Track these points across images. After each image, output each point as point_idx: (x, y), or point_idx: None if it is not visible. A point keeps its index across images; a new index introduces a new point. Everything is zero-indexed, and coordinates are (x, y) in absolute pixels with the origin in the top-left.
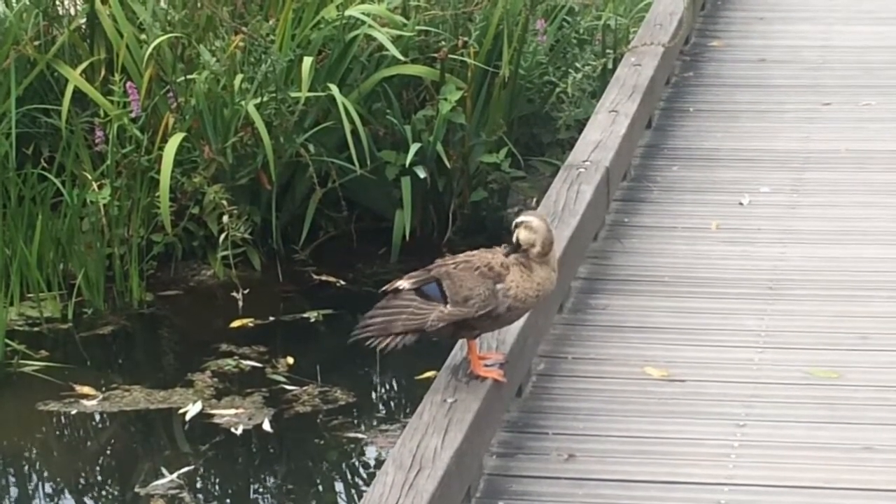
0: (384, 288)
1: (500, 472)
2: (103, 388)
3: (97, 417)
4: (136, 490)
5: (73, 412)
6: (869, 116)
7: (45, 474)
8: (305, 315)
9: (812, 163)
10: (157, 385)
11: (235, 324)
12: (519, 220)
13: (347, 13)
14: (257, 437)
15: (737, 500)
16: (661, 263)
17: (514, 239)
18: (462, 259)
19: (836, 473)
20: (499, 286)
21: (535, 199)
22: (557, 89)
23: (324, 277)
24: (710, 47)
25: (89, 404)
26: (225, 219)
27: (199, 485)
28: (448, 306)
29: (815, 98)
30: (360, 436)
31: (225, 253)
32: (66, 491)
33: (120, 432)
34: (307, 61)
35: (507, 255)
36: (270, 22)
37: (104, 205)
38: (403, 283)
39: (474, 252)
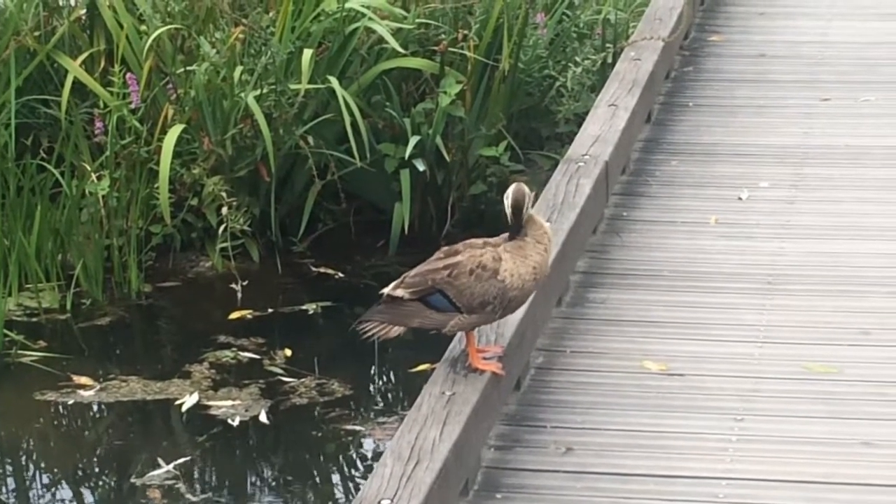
0: (382, 291)
1: (498, 464)
2: (101, 379)
3: (94, 408)
4: (133, 480)
5: (71, 402)
6: (868, 112)
7: (43, 464)
8: (304, 307)
9: (811, 158)
10: (154, 376)
11: (234, 315)
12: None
13: (347, 6)
14: (254, 428)
15: (734, 494)
16: (660, 258)
17: (509, 217)
18: (452, 262)
19: (834, 468)
20: (497, 278)
21: (534, 193)
22: (557, 83)
23: (322, 270)
24: (709, 42)
25: (87, 395)
26: (224, 210)
27: (195, 475)
28: (465, 315)
29: (815, 94)
30: (357, 428)
31: (224, 244)
32: (62, 481)
33: (117, 423)
34: (307, 53)
35: (510, 237)
36: (270, 14)
37: (103, 196)
38: (402, 293)
39: (462, 247)
